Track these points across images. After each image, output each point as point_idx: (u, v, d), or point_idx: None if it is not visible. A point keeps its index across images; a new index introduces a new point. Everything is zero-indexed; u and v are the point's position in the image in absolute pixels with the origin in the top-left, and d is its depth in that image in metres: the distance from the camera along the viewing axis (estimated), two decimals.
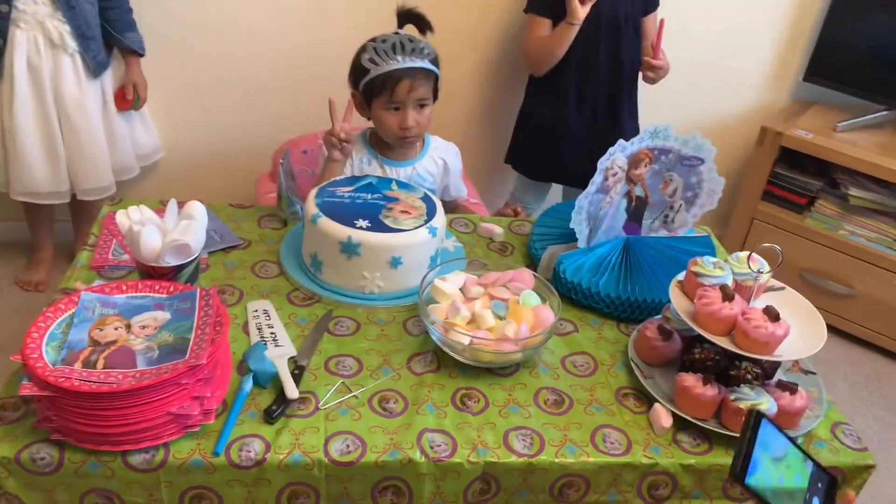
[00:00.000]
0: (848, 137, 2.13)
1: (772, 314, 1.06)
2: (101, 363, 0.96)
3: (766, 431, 0.79)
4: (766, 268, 1.15)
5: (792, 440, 0.82)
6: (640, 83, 1.94)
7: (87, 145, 1.93)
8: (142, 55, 1.96)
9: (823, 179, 2.20)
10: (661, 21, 1.79)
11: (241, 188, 2.12)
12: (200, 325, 1.03)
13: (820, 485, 0.81)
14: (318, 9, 1.99)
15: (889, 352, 2.21)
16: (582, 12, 1.75)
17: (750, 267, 1.13)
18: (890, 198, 2.08)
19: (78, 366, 0.95)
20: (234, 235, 1.41)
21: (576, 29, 1.78)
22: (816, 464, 0.82)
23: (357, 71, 1.47)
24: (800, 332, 1.10)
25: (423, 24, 1.51)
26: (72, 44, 1.82)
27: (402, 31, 1.48)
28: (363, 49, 1.46)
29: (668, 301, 1.19)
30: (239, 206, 1.51)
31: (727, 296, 1.09)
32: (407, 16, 1.51)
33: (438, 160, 1.60)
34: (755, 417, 0.79)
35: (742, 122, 2.31)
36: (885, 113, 2.17)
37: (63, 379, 0.91)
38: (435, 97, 1.54)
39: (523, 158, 2.07)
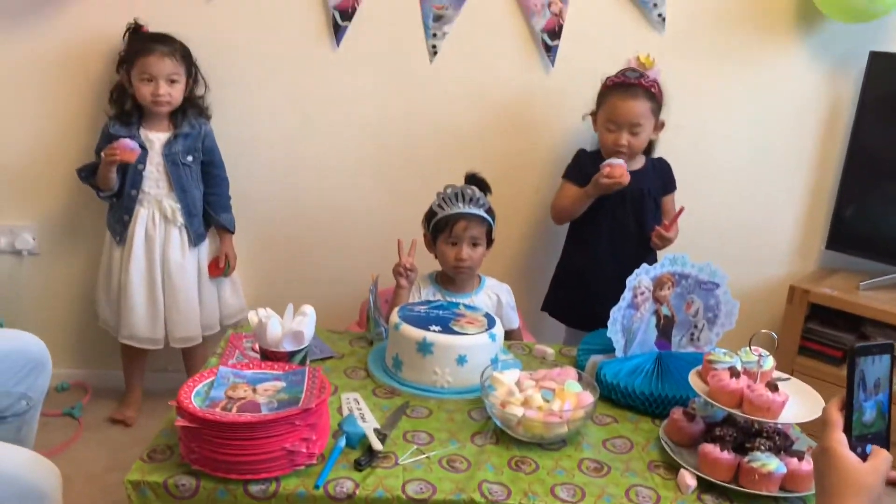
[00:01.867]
0: (871, 295, 2.36)
1: (771, 385, 1.29)
2: (234, 410, 1.25)
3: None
4: (770, 359, 1.38)
5: None
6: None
7: (183, 303, 2.28)
8: (232, 233, 2.36)
9: (854, 333, 2.40)
10: (682, 209, 2.08)
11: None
12: (309, 388, 1.32)
13: None
14: (396, 190, 2.43)
15: None
16: (604, 190, 2.06)
17: (751, 353, 1.37)
18: None
19: (217, 410, 1.24)
20: (330, 349, 1.72)
21: (591, 199, 2.12)
22: None
23: (429, 214, 1.93)
24: (801, 403, 1.31)
25: (483, 186, 1.97)
26: (180, 219, 2.23)
27: (471, 187, 1.91)
28: (437, 196, 1.90)
29: (695, 396, 1.42)
30: (333, 331, 1.84)
31: (734, 373, 1.32)
32: (472, 178, 1.98)
33: (493, 295, 1.96)
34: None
35: (773, 287, 2.56)
36: None
37: (207, 413, 1.21)
38: (489, 243, 1.95)
39: (558, 306, 2.34)
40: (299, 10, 2.25)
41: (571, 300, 2.30)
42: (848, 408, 0.95)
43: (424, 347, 1.53)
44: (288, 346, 1.43)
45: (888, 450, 0.95)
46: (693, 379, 1.41)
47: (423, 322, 1.58)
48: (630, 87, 2.09)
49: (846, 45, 2.36)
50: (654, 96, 2.11)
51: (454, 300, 1.87)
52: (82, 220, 2.40)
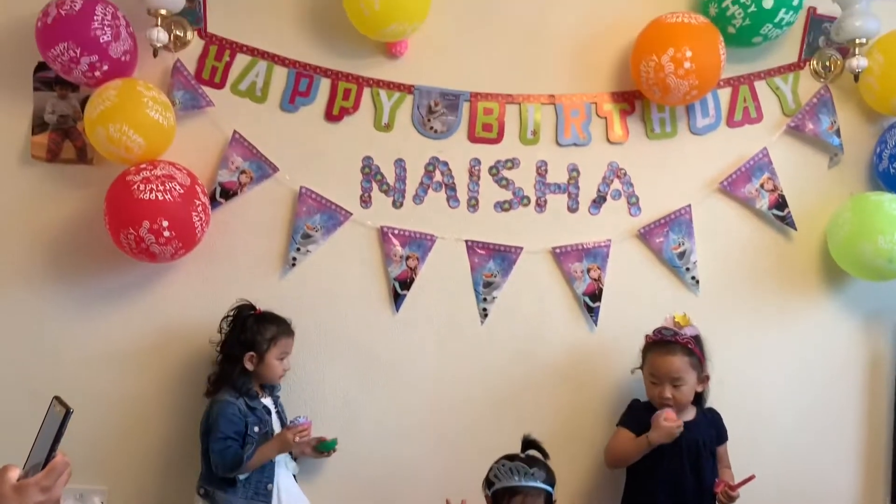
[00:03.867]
0: None
1: None
2: None
3: None
4: None
5: None
6: None
7: None
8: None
9: None
10: (753, 477, 2.10)
11: None
12: None
13: None
14: (452, 450, 2.48)
15: None
16: (658, 438, 2.13)
17: None
18: None
19: None
20: None
21: (651, 447, 2.16)
22: None
23: (487, 480, 1.99)
24: None
25: (542, 451, 2.05)
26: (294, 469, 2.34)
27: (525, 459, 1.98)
28: (493, 465, 1.98)
29: None
30: None
31: None
32: (529, 443, 2.06)
33: None
34: None
35: None
36: None
37: None
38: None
39: None
40: (363, 281, 2.49)
41: None
42: None
43: None
44: None
45: None
46: None
47: None
48: (667, 344, 2.23)
49: (875, 301, 2.50)
50: (692, 351, 2.22)
51: None
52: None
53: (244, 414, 2.21)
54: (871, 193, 2.41)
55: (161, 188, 2.21)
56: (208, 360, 2.34)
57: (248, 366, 2.23)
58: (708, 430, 2.28)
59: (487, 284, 2.50)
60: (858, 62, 2.34)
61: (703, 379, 2.27)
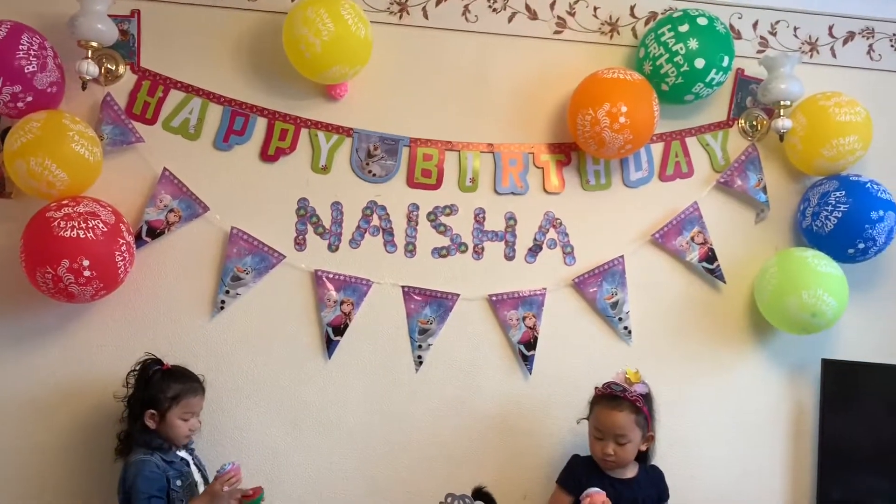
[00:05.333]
0: None
1: None
2: None
3: None
4: None
5: None
6: None
7: None
8: None
9: None
10: None
11: None
12: None
13: None
14: (383, 499, 2.42)
15: None
16: None
17: None
18: None
19: None
20: None
21: None
22: None
23: None
24: None
25: (490, 502, 2.01)
26: None
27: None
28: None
29: None
30: None
31: None
32: (479, 494, 2.03)
33: None
34: None
35: None
36: None
37: None
38: None
39: None
40: (295, 325, 2.42)
41: None
42: None
43: None
44: None
45: None
46: None
47: None
48: (615, 400, 2.20)
49: (800, 352, 2.57)
50: (640, 409, 2.19)
51: None
52: None
53: (163, 469, 2.09)
54: (795, 249, 2.50)
55: (83, 225, 2.11)
56: (114, 415, 2.21)
57: (150, 423, 2.10)
58: (649, 490, 2.26)
59: (423, 331, 2.47)
60: (783, 123, 2.44)
61: (648, 438, 2.25)
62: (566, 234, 2.54)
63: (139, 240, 2.33)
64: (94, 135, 2.24)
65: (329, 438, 2.42)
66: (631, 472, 2.25)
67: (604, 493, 2.09)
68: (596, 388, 2.27)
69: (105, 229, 2.15)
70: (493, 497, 2.04)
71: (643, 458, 2.29)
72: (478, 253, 2.51)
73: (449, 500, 1.95)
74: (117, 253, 2.17)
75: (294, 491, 2.40)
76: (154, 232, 2.36)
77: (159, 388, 2.12)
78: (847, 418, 2.49)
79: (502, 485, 2.41)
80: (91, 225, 2.12)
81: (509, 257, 2.52)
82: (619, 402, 2.19)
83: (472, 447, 2.46)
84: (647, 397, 2.24)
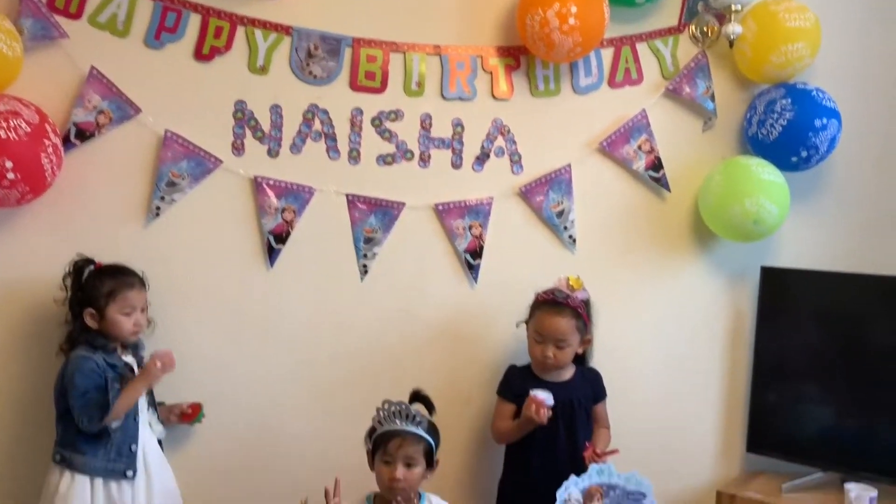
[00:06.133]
0: (794, 497, 2.41)
1: None
2: None
3: None
4: None
5: None
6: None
7: None
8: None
9: None
10: (617, 451, 2.13)
11: None
12: None
13: None
14: (327, 407, 2.42)
15: None
16: (534, 425, 2.14)
17: None
18: None
19: None
20: None
21: (527, 429, 2.17)
22: None
23: (370, 429, 1.92)
24: None
25: (428, 405, 2.01)
26: (161, 433, 2.21)
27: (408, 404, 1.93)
28: (376, 410, 1.91)
29: None
30: None
31: None
32: (416, 396, 2.01)
33: None
34: None
35: (702, 493, 2.59)
36: (821, 474, 2.49)
37: None
38: (429, 464, 1.93)
39: None
40: (235, 234, 2.36)
41: None
42: None
43: None
44: None
45: None
46: None
47: None
48: (557, 306, 2.24)
49: (740, 260, 2.61)
50: (580, 315, 2.25)
51: None
52: None
53: (103, 369, 2.06)
54: (740, 157, 2.51)
55: (4, 125, 2.00)
56: (58, 318, 2.15)
57: (91, 323, 2.08)
58: (584, 390, 2.32)
59: (368, 240, 2.43)
60: (733, 29, 2.41)
61: (586, 341, 2.30)
62: (514, 143, 2.50)
63: (67, 142, 2.22)
64: (12, 28, 2.09)
65: (272, 347, 2.40)
66: (567, 374, 2.30)
67: (549, 393, 2.13)
68: (538, 293, 2.29)
69: (28, 130, 2.04)
70: (430, 399, 2.04)
71: (580, 360, 2.34)
72: (424, 161, 2.46)
73: (386, 406, 1.93)
74: (43, 155, 2.07)
75: (236, 400, 2.39)
76: (83, 134, 2.24)
77: (93, 285, 2.08)
78: (783, 325, 2.55)
79: (447, 390, 2.44)
80: (13, 125, 2.01)
81: (456, 165, 2.47)
82: (562, 308, 2.23)
83: (418, 355, 2.46)
84: (587, 303, 2.28)
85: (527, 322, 2.31)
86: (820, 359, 2.53)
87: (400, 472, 1.86)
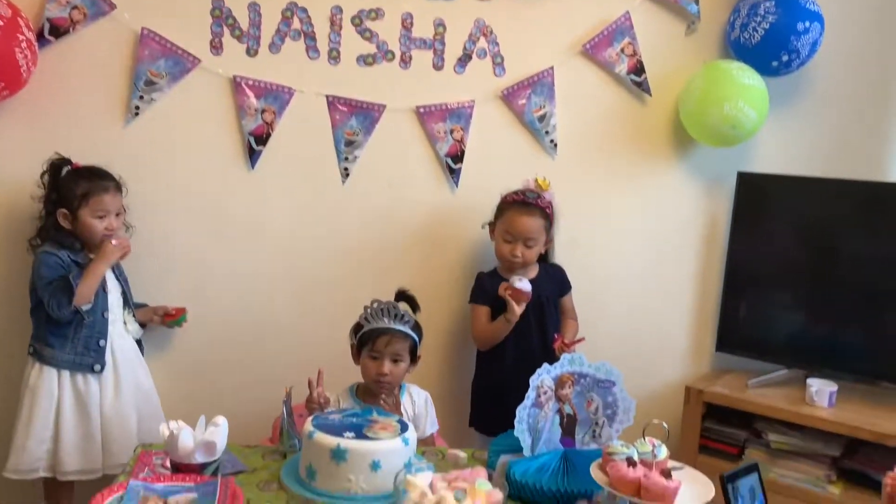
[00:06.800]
0: (760, 392, 2.53)
1: (665, 473, 1.38)
2: None
3: None
4: (663, 448, 1.48)
5: None
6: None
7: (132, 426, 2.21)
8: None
9: (748, 430, 2.54)
10: (583, 339, 2.24)
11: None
12: (221, 499, 1.32)
13: None
14: (309, 307, 2.48)
15: None
16: (519, 312, 2.23)
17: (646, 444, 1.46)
18: (804, 440, 2.41)
19: None
20: (242, 463, 1.72)
21: (513, 323, 2.26)
22: None
23: (356, 326, 1.98)
24: (694, 489, 1.40)
25: (413, 304, 2.06)
26: (137, 332, 2.27)
27: (396, 303, 1.99)
28: (364, 308, 1.96)
29: (600, 490, 1.50)
30: (245, 446, 1.84)
31: (631, 463, 1.41)
32: (401, 295, 2.07)
33: (412, 402, 1.99)
34: None
35: (672, 388, 2.70)
36: (785, 371, 2.60)
37: None
38: (413, 359, 2.01)
39: (480, 421, 2.41)
40: (216, 135, 2.36)
41: (490, 414, 2.36)
42: None
43: (338, 454, 1.55)
44: (200, 458, 1.44)
45: None
46: (594, 471, 1.49)
47: (336, 429, 1.61)
48: (528, 206, 2.29)
49: (718, 166, 2.64)
50: (548, 216, 2.31)
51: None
52: None
53: (67, 265, 2.09)
54: (721, 62, 2.50)
55: None
56: (34, 215, 2.17)
57: (64, 223, 2.11)
58: (549, 285, 2.40)
59: (349, 143, 2.43)
60: None
61: (549, 241, 2.38)
62: (496, 44, 2.47)
63: (42, 38, 2.18)
64: None
65: (254, 247, 2.43)
66: (532, 272, 2.38)
67: (526, 281, 2.22)
68: (505, 194, 2.34)
69: (1, 24, 2.00)
70: (415, 298, 2.11)
71: (543, 258, 2.42)
72: (405, 61, 2.43)
73: (374, 304, 2.00)
74: (17, 49, 2.04)
75: (219, 299, 2.44)
76: (58, 31, 2.20)
77: (68, 186, 2.09)
78: (758, 230, 2.61)
79: (427, 290, 2.48)
80: None
81: (438, 67, 2.45)
82: (532, 208, 2.28)
83: (398, 257, 2.51)
84: (551, 204, 2.34)
85: (492, 223, 2.35)
86: (792, 263, 2.60)
87: (387, 367, 1.94)
